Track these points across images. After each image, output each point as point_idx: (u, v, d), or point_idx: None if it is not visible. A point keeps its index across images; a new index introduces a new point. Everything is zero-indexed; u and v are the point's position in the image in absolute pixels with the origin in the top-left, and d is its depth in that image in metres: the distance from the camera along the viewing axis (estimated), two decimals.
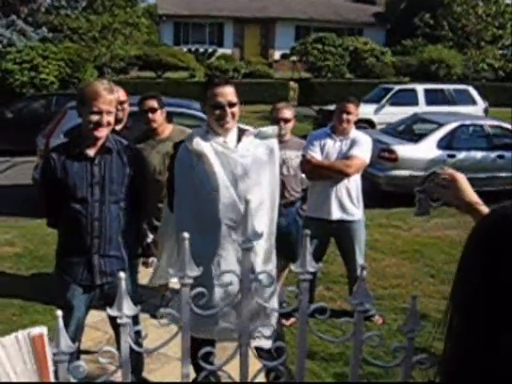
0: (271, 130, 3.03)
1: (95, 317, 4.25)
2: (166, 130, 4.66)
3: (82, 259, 3.17)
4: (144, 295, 4.92)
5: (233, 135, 2.94)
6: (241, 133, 2.97)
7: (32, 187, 8.58)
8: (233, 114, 2.89)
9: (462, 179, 1.70)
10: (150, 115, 4.55)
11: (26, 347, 1.37)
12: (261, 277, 1.48)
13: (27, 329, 1.41)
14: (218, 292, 1.65)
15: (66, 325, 1.50)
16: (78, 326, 3.28)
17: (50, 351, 1.32)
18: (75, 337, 3.20)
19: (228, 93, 2.88)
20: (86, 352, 3.92)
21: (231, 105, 2.87)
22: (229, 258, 2.81)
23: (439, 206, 1.80)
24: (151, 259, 4.75)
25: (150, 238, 4.64)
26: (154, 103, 4.57)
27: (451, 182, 1.68)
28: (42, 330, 1.34)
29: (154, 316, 4.83)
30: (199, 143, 2.83)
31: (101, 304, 3.80)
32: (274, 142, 2.99)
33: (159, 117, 4.60)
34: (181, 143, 3.04)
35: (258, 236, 1.52)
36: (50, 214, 3.31)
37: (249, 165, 2.87)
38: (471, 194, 1.70)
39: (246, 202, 1.54)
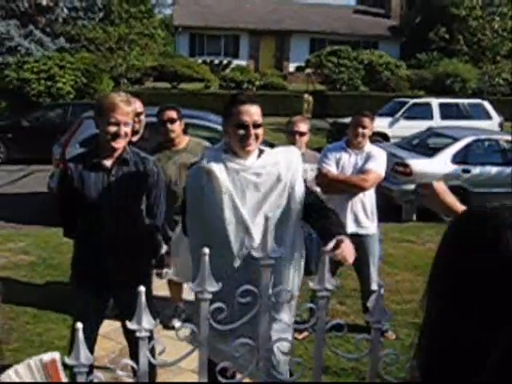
0: (296, 151, 2.87)
1: (107, 326, 4.25)
2: (183, 141, 4.70)
3: (97, 269, 3.19)
4: (157, 306, 4.93)
5: (252, 157, 2.73)
6: (260, 153, 2.78)
7: (47, 195, 8.65)
8: (256, 136, 2.68)
9: (436, 186, 1.89)
10: (169, 125, 4.57)
11: (38, 374, 1.37)
12: (280, 293, 1.49)
13: (39, 355, 1.40)
14: (236, 309, 1.61)
15: None
16: (92, 337, 3.29)
17: (64, 376, 1.32)
18: (89, 347, 3.21)
19: (254, 112, 2.68)
20: (99, 363, 3.93)
21: (256, 126, 2.67)
22: (241, 279, 2.54)
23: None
24: (165, 270, 4.76)
25: (164, 248, 4.65)
26: (173, 114, 4.59)
27: (427, 189, 1.88)
28: (54, 355, 1.33)
29: (167, 327, 4.84)
30: (211, 161, 2.67)
31: (114, 314, 3.83)
32: (297, 162, 2.79)
33: (178, 128, 4.62)
34: (193, 166, 2.91)
35: (278, 251, 1.52)
36: (67, 223, 3.34)
37: (262, 184, 2.67)
38: (448, 198, 1.87)
39: (266, 219, 1.55)
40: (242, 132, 2.66)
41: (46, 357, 1.36)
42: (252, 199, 2.66)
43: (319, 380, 1.42)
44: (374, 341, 1.32)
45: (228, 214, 2.62)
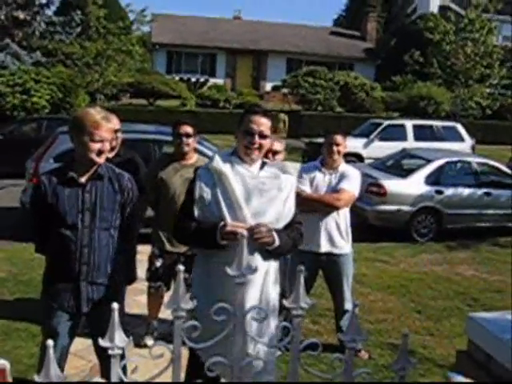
0: (293, 166, 3.09)
1: (78, 344, 4.19)
2: (193, 157, 4.83)
3: (70, 286, 3.14)
4: (130, 324, 4.88)
5: (256, 165, 2.96)
6: (263, 164, 3.00)
7: (20, 210, 8.53)
8: (261, 145, 2.90)
9: None
10: (185, 139, 4.70)
11: None
12: (252, 312, 1.48)
13: None
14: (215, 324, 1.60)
15: None
16: (63, 355, 3.24)
17: None
18: (59, 365, 3.15)
19: (262, 123, 2.90)
20: (68, 382, 3.86)
21: (262, 136, 2.88)
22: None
23: None
24: (158, 283, 4.83)
25: (160, 262, 4.78)
26: (190, 129, 4.73)
27: None
28: (4, 364, 1.30)
29: (138, 345, 4.78)
30: (220, 163, 2.87)
31: (84, 332, 3.77)
32: (293, 179, 3.01)
33: (192, 143, 4.77)
34: (199, 168, 3.06)
35: (253, 269, 1.52)
36: (39, 239, 3.29)
37: (265, 193, 2.87)
38: None
39: (242, 237, 1.55)
40: (248, 139, 2.88)
41: None
42: (256, 204, 2.85)
43: None
44: (347, 360, 1.32)
45: (234, 214, 2.80)
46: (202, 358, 2.59)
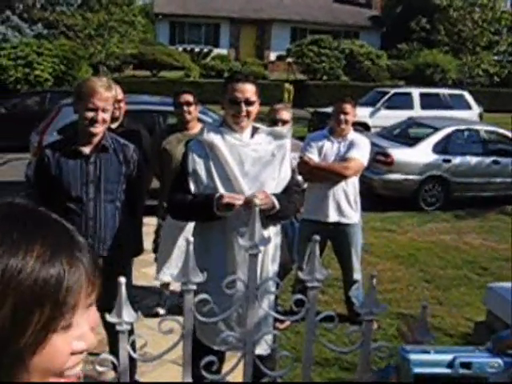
0: (286, 130, 3.08)
1: None
2: (196, 126, 4.72)
3: None
4: (137, 296, 4.87)
5: (247, 133, 2.90)
6: (254, 130, 2.95)
7: (25, 184, 8.50)
8: (248, 113, 2.83)
9: None
10: (186, 108, 4.69)
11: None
12: (268, 284, 1.43)
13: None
14: (224, 298, 1.55)
15: None
16: None
17: None
18: None
19: (247, 90, 2.83)
20: None
21: (248, 103, 2.82)
22: (236, 259, 2.72)
23: None
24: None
25: None
26: (190, 98, 4.72)
27: None
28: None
29: (148, 315, 4.78)
30: (211, 135, 2.82)
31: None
32: (286, 142, 2.95)
33: (194, 111, 4.75)
34: (191, 141, 3.00)
35: (266, 240, 1.47)
36: None
37: (259, 160, 2.84)
38: None
39: (255, 206, 1.49)
40: (234, 108, 2.82)
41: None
42: (251, 173, 2.82)
43: (309, 372, 1.37)
44: (365, 333, 1.27)
45: (230, 186, 2.77)
46: (205, 342, 2.54)
